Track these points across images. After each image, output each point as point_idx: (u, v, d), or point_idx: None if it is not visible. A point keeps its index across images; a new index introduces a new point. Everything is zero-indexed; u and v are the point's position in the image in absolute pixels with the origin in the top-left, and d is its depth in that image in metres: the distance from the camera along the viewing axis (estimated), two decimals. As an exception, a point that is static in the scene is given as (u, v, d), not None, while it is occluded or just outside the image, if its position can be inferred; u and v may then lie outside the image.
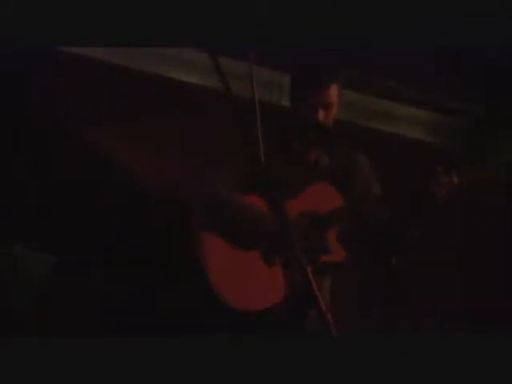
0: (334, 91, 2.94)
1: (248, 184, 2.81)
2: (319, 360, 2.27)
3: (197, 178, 3.01)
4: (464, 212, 4.06)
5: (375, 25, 2.86)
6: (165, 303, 3.25)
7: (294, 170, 2.95)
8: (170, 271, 3.28)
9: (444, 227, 3.88)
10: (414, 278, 3.76)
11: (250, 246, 2.83)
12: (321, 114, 2.91)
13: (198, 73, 3.83)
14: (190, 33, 2.63)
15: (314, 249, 2.79)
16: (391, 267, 3.12)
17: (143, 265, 3.49)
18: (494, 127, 4.30)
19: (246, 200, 2.86)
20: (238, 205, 2.86)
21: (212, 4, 2.66)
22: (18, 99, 3.53)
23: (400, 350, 2.39)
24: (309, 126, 2.92)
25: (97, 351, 2.42)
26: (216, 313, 2.78)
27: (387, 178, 3.10)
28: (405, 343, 2.43)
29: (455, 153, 4.15)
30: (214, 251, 2.82)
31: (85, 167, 3.59)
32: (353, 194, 2.96)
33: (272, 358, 2.35)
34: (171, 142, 3.76)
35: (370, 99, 4.22)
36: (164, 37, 2.64)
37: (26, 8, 2.58)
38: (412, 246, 2.95)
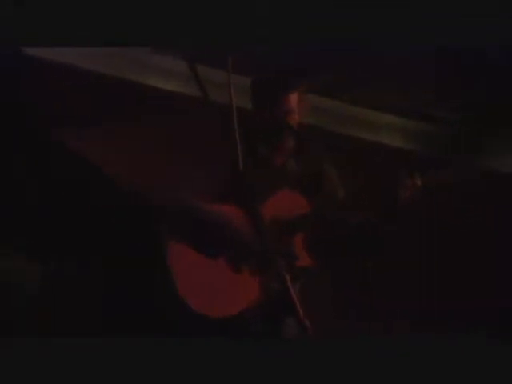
0: (293, 98, 2.91)
1: (223, 190, 2.80)
2: (294, 364, 2.28)
3: (170, 183, 2.99)
4: (441, 214, 4.10)
5: (375, 25, 2.86)
6: (162, 303, 3.24)
7: (261, 175, 2.93)
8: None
9: (418, 229, 3.91)
10: (387, 280, 3.76)
11: (217, 252, 2.82)
12: (282, 119, 2.91)
13: (176, 80, 3.85)
14: (189, 34, 2.64)
15: (282, 255, 2.77)
16: (366, 271, 3.12)
17: (143, 265, 3.49)
18: (476, 132, 4.36)
19: (214, 206, 2.84)
20: (206, 210, 2.84)
21: (211, 5, 2.66)
22: (17, 99, 3.54)
23: (373, 352, 2.40)
24: (271, 129, 2.92)
25: (97, 351, 2.43)
26: (188, 317, 2.76)
27: (363, 182, 3.10)
28: (377, 345, 2.44)
29: (429, 157, 4.18)
30: (181, 256, 2.79)
31: (84, 167, 3.59)
32: (319, 198, 2.95)
33: (247, 363, 2.36)
34: (154, 144, 3.78)
35: (346, 106, 4.24)
36: (162, 37, 2.66)
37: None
38: (385, 248, 2.96)
